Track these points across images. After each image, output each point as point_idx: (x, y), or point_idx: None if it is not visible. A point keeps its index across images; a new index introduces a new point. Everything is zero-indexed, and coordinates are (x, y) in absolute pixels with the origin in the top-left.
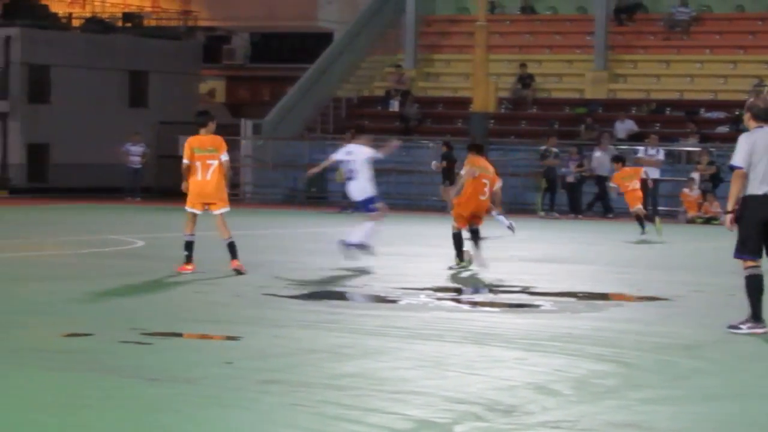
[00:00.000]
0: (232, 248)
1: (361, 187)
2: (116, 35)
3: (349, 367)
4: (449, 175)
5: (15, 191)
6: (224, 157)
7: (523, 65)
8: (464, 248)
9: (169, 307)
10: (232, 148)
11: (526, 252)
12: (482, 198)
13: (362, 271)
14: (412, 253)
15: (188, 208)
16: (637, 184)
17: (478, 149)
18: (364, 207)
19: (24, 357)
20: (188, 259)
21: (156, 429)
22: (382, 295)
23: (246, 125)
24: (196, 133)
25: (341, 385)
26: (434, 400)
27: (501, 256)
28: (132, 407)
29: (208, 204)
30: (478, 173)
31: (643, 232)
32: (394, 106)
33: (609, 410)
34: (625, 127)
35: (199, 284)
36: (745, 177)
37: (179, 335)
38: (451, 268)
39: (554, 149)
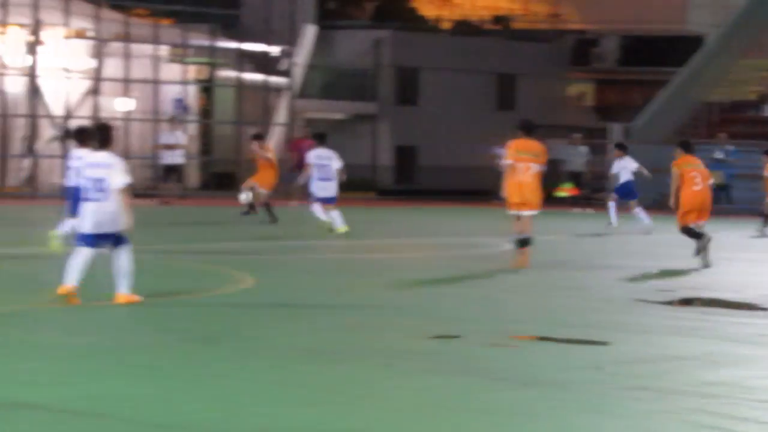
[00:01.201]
0: (524, 242)
1: None
2: (485, 38)
3: (721, 375)
4: None
5: (382, 192)
6: (541, 167)
7: None
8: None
9: (538, 311)
10: (599, 152)
11: None
12: (696, 188)
13: (734, 278)
14: None
15: (511, 211)
16: None
17: (686, 147)
18: None
19: (392, 358)
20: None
21: None
22: (755, 302)
23: (614, 129)
24: (521, 137)
25: (713, 393)
26: None
27: None
28: (501, 411)
29: (522, 204)
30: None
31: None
32: None
33: None
34: None
35: (569, 289)
36: None
37: (549, 339)
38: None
39: None
